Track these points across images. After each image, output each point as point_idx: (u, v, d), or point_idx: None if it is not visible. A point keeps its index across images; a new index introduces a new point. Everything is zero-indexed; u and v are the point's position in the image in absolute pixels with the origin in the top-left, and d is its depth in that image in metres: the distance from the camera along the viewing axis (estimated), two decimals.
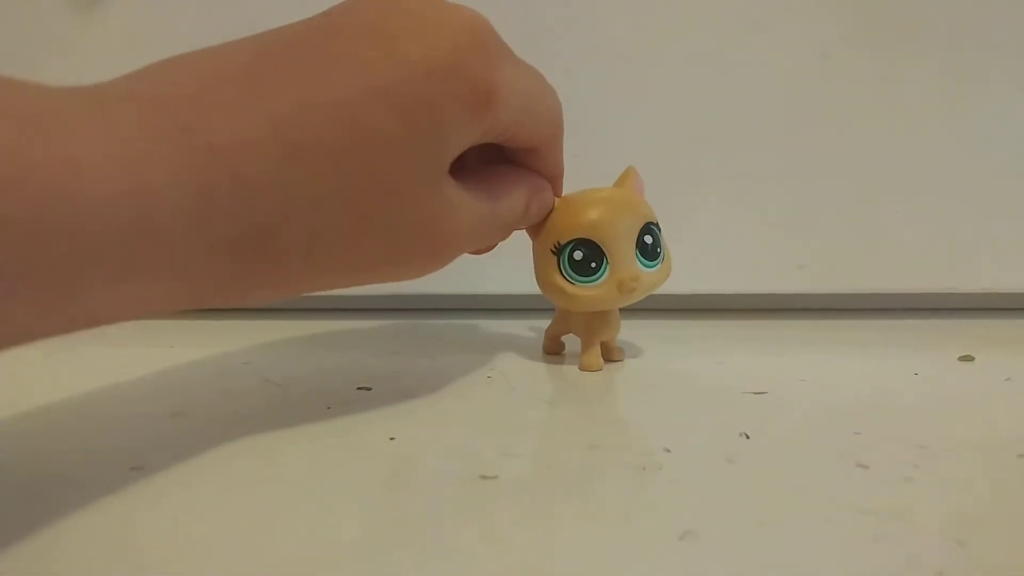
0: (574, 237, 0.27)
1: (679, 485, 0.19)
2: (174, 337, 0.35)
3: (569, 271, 0.27)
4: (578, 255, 0.27)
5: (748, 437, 0.22)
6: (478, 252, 0.28)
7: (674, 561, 0.15)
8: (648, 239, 0.28)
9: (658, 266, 0.28)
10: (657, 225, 0.28)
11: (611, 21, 0.38)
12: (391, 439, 0.22)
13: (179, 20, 0.39)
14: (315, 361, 0.33)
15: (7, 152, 0.14)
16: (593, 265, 0.27)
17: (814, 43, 0.38)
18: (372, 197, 0.20)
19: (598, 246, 0.27)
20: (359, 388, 0.27)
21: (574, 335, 0.30)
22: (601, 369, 0.29)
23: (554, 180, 0.28)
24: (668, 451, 0.21)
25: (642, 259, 0.27)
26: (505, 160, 0.27)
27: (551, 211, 0.28)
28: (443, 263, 0.24)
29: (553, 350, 0.32)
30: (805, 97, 0.38)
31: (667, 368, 0.30)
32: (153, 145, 0.17)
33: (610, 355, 0.30)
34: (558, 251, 0.27)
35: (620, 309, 0.29)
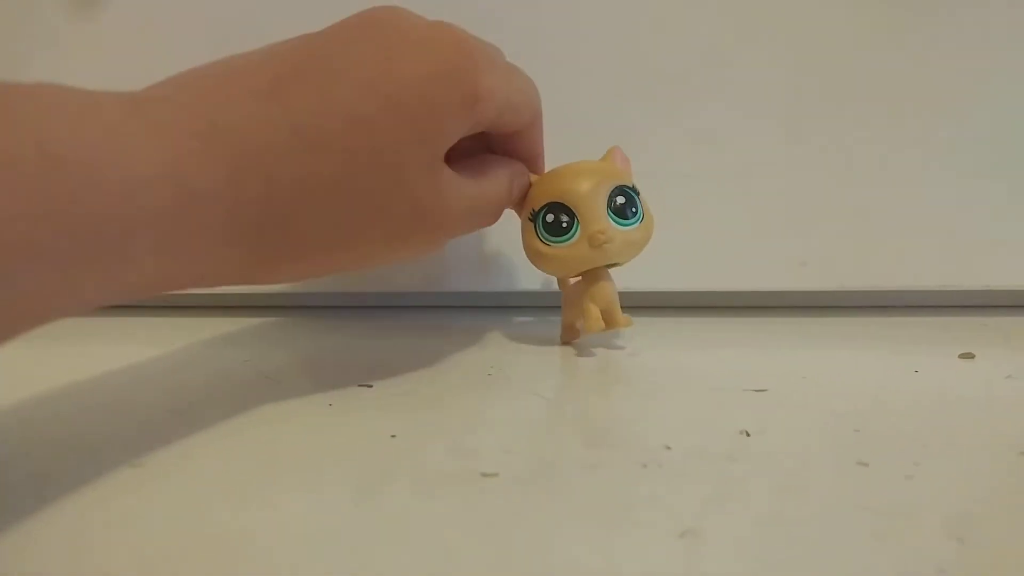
0: (545, 202, 0.29)
1: (680, 483, 0.19)
2: (174, 335, 0.36)
3: (544, 234, 0.29)
4: (550, 217, 0.29)
5: (748, 435, 0.22)
6: (474, 229, 0.30)
7: (675, 559, 0.16)
8: (620, 199, 0.29)
9: (634, 225, 0.29)
10: (633, 188, 0.29)
11: (609, 19, 0.38)
12: (392, 436, 0.22)
13: (179, 20, 0.39)
14: (315, 358, 0.33)
15: (69, 145, 0.18)
16: (564, 224, 0.28)
17: (814, 40, 0.38)
18: (380, 185, 0.24)
19: (567, 208, 0.28)
20: (360, 385, 0.27)
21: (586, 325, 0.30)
22: (603, 329, 0.29)
23: (535, 160, 0.31)
24: (669, 448, 0.21)
25: (615, 218, 0.28)
26: (489, 148, 0.30)
27: (530, 187, 0.30)
28: (440, 243, 0.27)
29: (569, 339, 0.32)
30: (805, 93, 0.38)
31: (667, 365, 0.30)
32: (191, 143, 0.20)
33: (614, 321, 0.30)
34: (533, 217, 0.29)
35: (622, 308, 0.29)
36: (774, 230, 0.38)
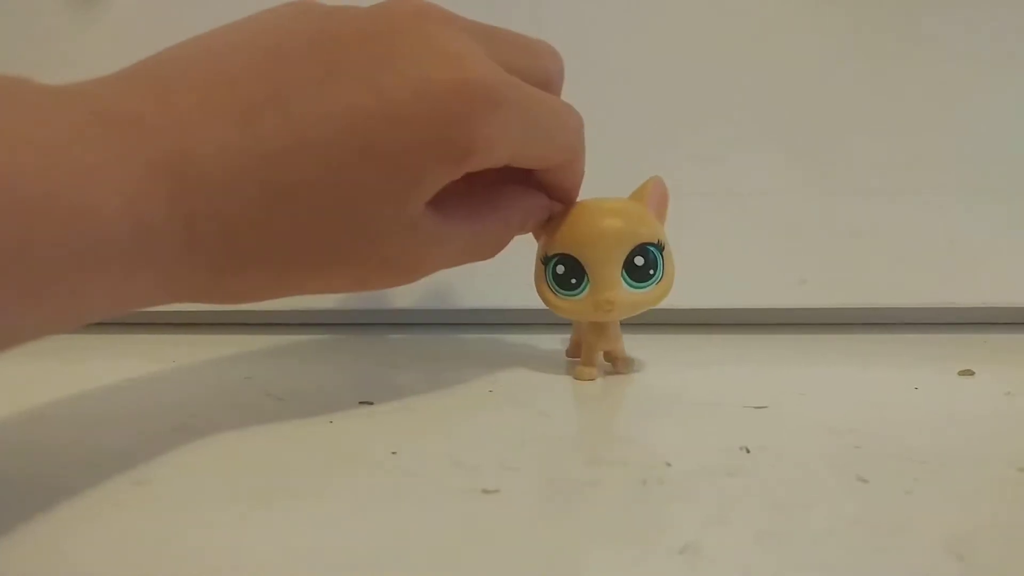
0: (558, 252, 0.28)
1: (680, 499, 0.19)
2: (176, 352, 0.36)
3: (552, 283, 0.28)
4: (560, 269, 0.28)
5: (748, 451, 0.22)
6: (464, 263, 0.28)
7: (675, 575, 0.16)
8: (639, 260, 0.27)
9: (649, 288, 0.28)
10: (657, 245, 0.28)
11: (609, 33, 0.39)
12: (393, 453, 0.22)
13: (179, 19, 0.39)
14: (317, 375, 0.33)
15: (32, 180, 0.16)
16: (574, 281, 0.27)
17: (813, 56, 0.39)
18: (346, 236, 0.22)
19: (580, 264, 0.27)
20: (361, 402, 0.27)
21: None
22: (592, 379, 0.29)
23: (565, 195, 0.28)
24: (669, 465, 0.21)
25: (629, 280, 0.27)
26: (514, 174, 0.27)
27: (559, 215, 0.28)
28: (418, 278, 0.25)
29: (576, 354, 0.32)
30: (805, 110, 0.38)
31: (667, 382, 0.30)
32: (155, 179, 0.19)
33: (614, 366, 0.30)
34: (545, 262, 0.28)
35: (622, 321, 0.29)
36: (774, 247, 0.38)
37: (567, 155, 0.27)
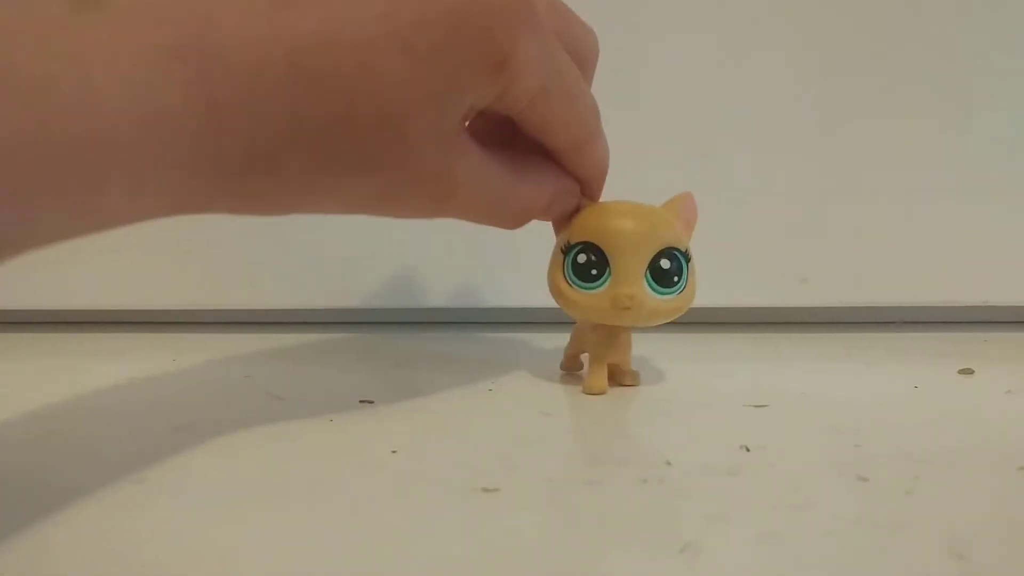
0: (582, 239, 0.26)
1: (680, 498, 0.19)
2: (176, 351, 0.36)
3: (570, 273, 0.27)
4: (582, 258, 0.26)
5: (749, 450, 0.22)
6: (488, 223, 0.26)
7: (675, 574, 0.16)
8: (665, 263, 0.26)
9: (671, 296, 0.26)
10: (684, 254, 0.26)
11: (612, 35, 0.39)
12: (393, 452, 0.22)
13: None
14: (317, 374, 0.33)
15: (33, 68, 0.15)
16: (594, 272, 0.26)
17: (813, 59, 0.39)
18: (379, 135, 0.21)
19: (604, 254, 0.26)
20: (361, 401, 0.27)
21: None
22: (603, 392, 0.28)
23: (590, 183, 0.27)
24: (669, 464, 0.21)
25: (653, 283, 0.26)
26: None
27: (577, 211, 0.27)
28: (444, 213, 0.24)
29: (570, 367, 0.31)
30: (806, 110, 0.38)
31: (668, 381, 0.30)
32: (169, 65, 0.17)
33: (621, 379, 0.29)
34: (566, 251, 0.27)
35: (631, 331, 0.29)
36: (774, 246, 0.38)
37: (584, 131, 0.26)
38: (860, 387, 0.30)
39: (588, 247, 0.26)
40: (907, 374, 0.31)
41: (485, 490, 0.19)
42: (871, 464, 0.21)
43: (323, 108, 0.20)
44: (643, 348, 0.33)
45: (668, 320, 0.27)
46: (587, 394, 0.28)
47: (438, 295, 0.39)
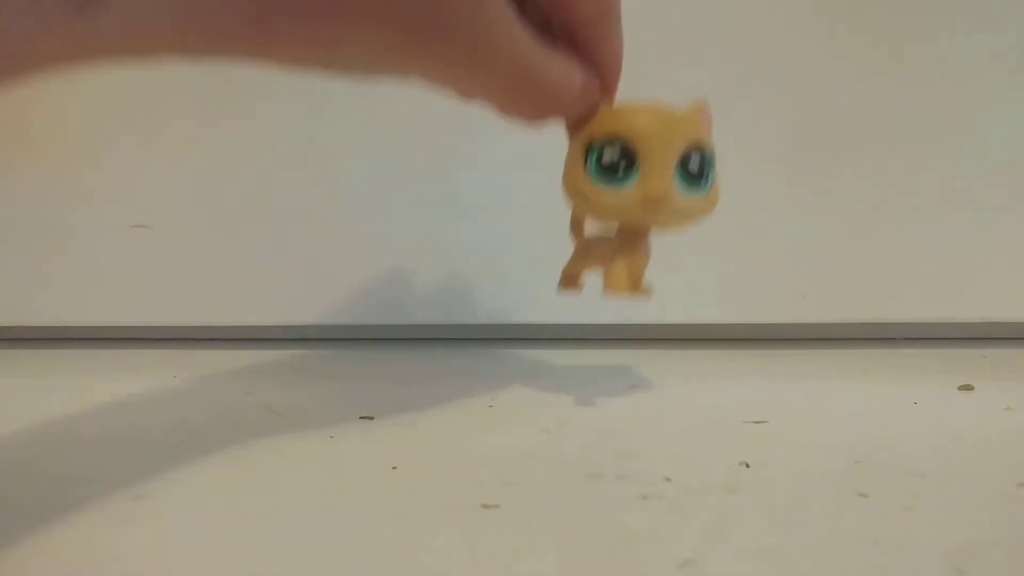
0: (609, 136, 0.24)
1: (680, 514, 0.19)
2: (177, 367, 0.36)
3: (593, 172, 0.24)
4: (608, 156, 0.24)
5: (748, 466, 0.22)
6: (511, 104, 0.24)
7: None
8: (695, 160, 0.24)
9: (699, 195, 0.25)
10: (710, 154, 0.25)
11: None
12: (393, 468, 0.22)
13: None
14: (317, 391, 0.33)
15: None
16: (622, 168, 0.24)
17: (814, 72, 0.39)
18: None
19: (632, 150, 0.24)
20: (361, 417, 0.27)
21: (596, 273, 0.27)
22: (630, 292, 0.25)
23: (609, 70, 0.25)
24: (669, 480, 0.21)
25: (682, 181, 0.24)
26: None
27: (595, 110, 0.25)
28: (470, 77, 0.21)
29: (569, 286, 0.29)
30: (805, 126, 0.39)
31: (667, 397, 0.30)
32: None
33: (636, 285, 0.26)
34: (589, 150, 0.24)
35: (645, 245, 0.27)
36: (774, 263, 0.38)
37: (595, 7, 0.23)
38: (860, 403, 0.30)
39: (615, 143, 0.24)
40: (907, 390, 0.31)
41: (485, 506, 0.19)
42: (871, 480, 0.21)
43: None
44: (641, 364, 0.33)
45: (695, 222, 0.25)
46: (611, 291, 0.25)
47: (439, 312, 0.40)
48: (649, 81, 0.39)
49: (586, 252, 0.28)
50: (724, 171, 0.39)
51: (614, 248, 0.26)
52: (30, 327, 0.43)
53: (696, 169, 0.24)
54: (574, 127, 0.26)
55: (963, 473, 0.22)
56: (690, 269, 0.34)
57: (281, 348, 0.40)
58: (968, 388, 0.30)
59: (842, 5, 0.39)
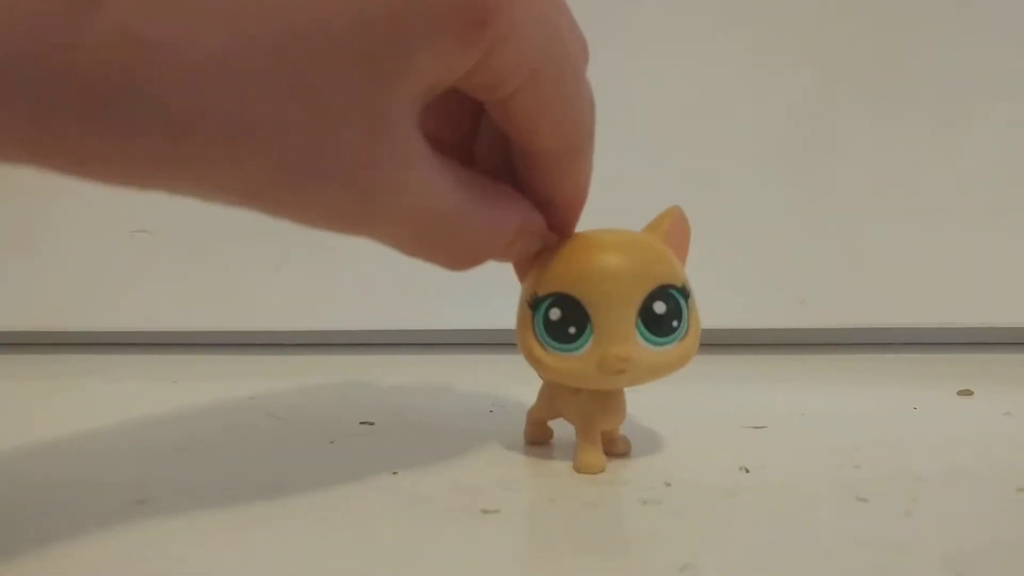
0: (553, 290, 0.21)
1: (679, 519, 0.19)
2: (178, 372, 0.36)
3: (543, 333, 0.21)
4: (554, 314, 0.21)
5: (748, 471, 0.22)
6: (428, 257, 0.20)
7: None
8: (659, 307, 0.20)
9: (671, 345, 0.21)
10: (682, 290, 0.21)
11: (604, 45, 0.39)
12: (394, 473, 0.22)
13: None
14: (318, 396, 0.33)
15: None
16: (572, 331, 0.20)
17: (812, 76, 0.39)
18: (302, 113, 0.15)
19: (583, 307, 0.20)
20: (362, 423, 0.27)
21: (566, 421, 0.24)
22: (603, 470, 0.22)
23: (568, 209, 0.21)
24: (668, 485, 0.21)
25: (646, 332, 0.21)
26: (506, 173, 0.21)
27: (553, 248, 0.22)
28: (367, 231, 0.18)
29: (536, 439, 0.25)
30: (803, 131, 0.39)
31: (667, 402, 0.30)
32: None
33: (611, 447, 0.23)
34: (534, 305, 0.21)
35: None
36: (773, 268, 0.38)
37: (576, 137, 0.20)
38: (859, 408, 0.30)
39: (561, 301, 0.21)
40: (906, 395, 0.31)
41: (485, 511, 0.19)
42: (870, 485, 0.21)
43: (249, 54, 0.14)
44: None
45: (669, 374, 0.21)
46: (583, 474, 0.22)
47: (439, 317, 0.40)
48: (649, 81, 0.39)
49: (551, 397, 0.24)
50: (724, 174, 0.39)
51: (582, 406, 0.22)
52: (31, 332, 0.44)
53: (662, 315, 0.20)
54: (521, 267, 0.23)
55: (963, 478, 0.22)
56: (689, 274, 0.34)
57: (282, 353, 0.40)
58: (968, 393, 0.30)
59: (843, 6, 0.39)
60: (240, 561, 0.17)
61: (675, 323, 0.21)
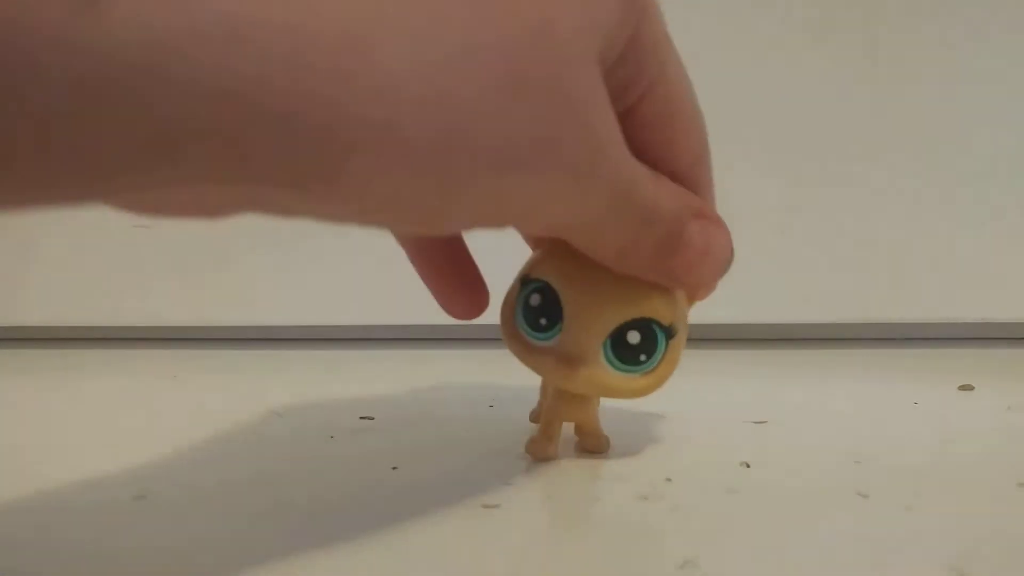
0: (541, 277, 0.20)
1: (680, 514, 0.19)
2: (177, 367, 0.36)
3: (520, 316, 0.21)
4: (535, 300, 0.20)
5: (748, 466, 0.22)
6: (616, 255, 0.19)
7: None
8: (633, 337, 0.20)
9: (631, 374, 0.20)
10: (665, 329, 0.20)
11: None
12: (394, 468, 0.22)
13: None
14: (318, 391, 0.33)
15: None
16: (544, 322, 0.20)
17: (817, 72, 0.39)
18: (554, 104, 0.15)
19: (560, 306, 0.20)
20: (362, 418, 0.27)
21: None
22: (547, 458, 0.22)
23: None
24: (669, 480, 0.21)
25: (611, 354, 0.20)
26: None
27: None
28: (586, 198, 0.17)
29: (540, 452, 0.24)
30: (805, 127, 0.39)
31: (667, 397, 0.30)
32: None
33: (585, 443, 0.23)
34: (523, 283, 0.21)
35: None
36: (773, 263, 0.38)
37: (701, 144, 0.20)
38: (860, 403, 0.30)
39: (546, 289, 0.20)
40: (907, 390, 0.31)
41: (485, 506, 0.19)
42: (871, 480, 0.21)
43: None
44: None
45: (629, 398, 0.21)
46: (532, 456, 0.22)
47: (439, 312, 0.39)
48: None
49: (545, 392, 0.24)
50: (724, 173, 0.39)
51: (552, 395, 0.22)
52: (29, 327, 0.43)
53: (635, 345, 0.20)
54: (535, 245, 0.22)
55: (964, 473, 0.22)
56: None
57: (281, 348, 0.40)
58: (969, 388, 0.30)
59: (845, 6, 0.39)
60: (240, 556, 0.17)
61: (643, 357, 0.20)
